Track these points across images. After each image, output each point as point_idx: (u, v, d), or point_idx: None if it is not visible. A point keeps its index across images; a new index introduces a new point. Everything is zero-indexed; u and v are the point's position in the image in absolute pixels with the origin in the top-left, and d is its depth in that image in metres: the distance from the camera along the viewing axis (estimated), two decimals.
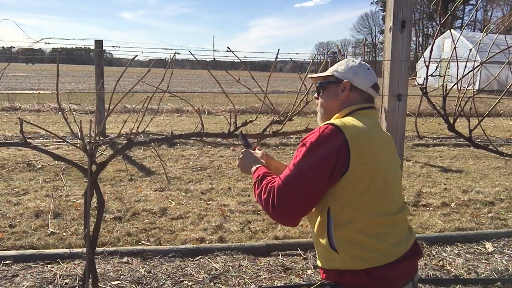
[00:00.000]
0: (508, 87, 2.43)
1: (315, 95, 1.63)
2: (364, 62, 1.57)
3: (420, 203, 4.62)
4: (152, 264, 3.02)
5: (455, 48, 2.41)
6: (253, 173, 1.57)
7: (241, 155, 1.71)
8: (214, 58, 2.38)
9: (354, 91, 1.52)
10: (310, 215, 1.45)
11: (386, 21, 2.45)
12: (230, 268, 3.00)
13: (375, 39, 72.87)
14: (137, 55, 2.10)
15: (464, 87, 2.40)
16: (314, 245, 1.50)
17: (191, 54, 2.10)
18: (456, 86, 2.43)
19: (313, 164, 1.31)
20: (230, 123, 2.03)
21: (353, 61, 1.57)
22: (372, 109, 1.52)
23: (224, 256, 3.17)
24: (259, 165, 1.60)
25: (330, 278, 1.39)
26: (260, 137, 2.20)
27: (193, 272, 2.93)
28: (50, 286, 2.70)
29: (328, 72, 1.59)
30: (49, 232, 3.56)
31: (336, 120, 1.42)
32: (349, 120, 1.39)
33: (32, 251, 3.13)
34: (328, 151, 1.30)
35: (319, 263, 1.47)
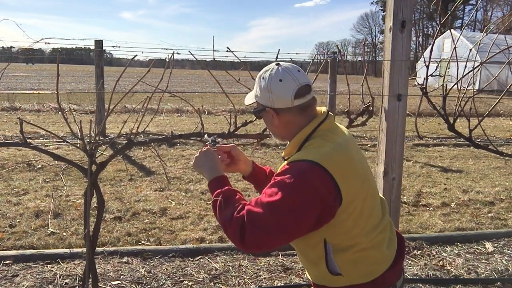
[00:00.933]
0: (508, 87, 2.44)
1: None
2: (275, 70, 1.31)
3: (420, 203, 4.62)
4: (152, 264, 3.02)
5: (455, 48, 2.41)
6: (211, 183, 1.40)
7: (200, 154, 1.49)
8: (214, 58, 2.38)
9: (282, 113, 1.31)
10: (301, 247, 1.37)
11: (386, 21, 2.45)
12: (230, 268, 3.00)
13: (375, 39, 72.92)
14: (136, 55, 2.10)
15: (464, 87, 2.40)
16: (305, 266, 1.41)
17: (191, 54, 2.10)
18: (456, 86, 2.43)
19: (291, 206, 1.16)
20: (230, 123, 2.03)
21: (263, 78, 1.33)
22: (329, 118, 1.33)
23: (224, 256, 3.17)
24: (219, 175, 1.41)
25: None
26: (260, 137, 2.20)
27: (193, 272, 2.93)
28: (50, 286, 2.70)
29: (252, 96, 1.41)
30: (49, 232, 3.56)
31: (308, 152, 1.24)
32: (320, 147, 1.23)
33: (32, 251, 3.13)
34: (312, 194, 1.16)
35: (316, 282, 1.38)
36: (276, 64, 1.35)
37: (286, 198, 1.16)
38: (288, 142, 1.38)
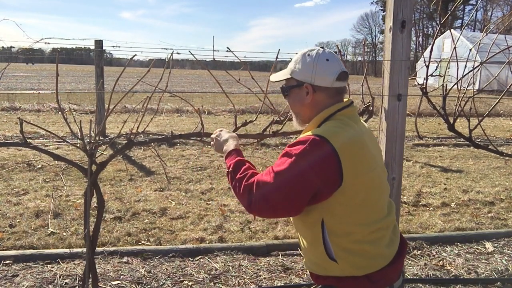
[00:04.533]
0: (508, 87, 2.43)
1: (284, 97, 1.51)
2: (322, 50, 1.40)
3: (420, 203, 4.62)
4: (152, 264, 3.02)
5: (455, 48, 2.41)
6: (226, 158, 1.51)
7: (215, 136, 1.65)
8: (214, 58, 2.38)
9: (319, 91, 1.37)
10: (300, 227, 1.40)
11: (386, 21, 2.45)
12: (230, 268, 3.00)
13: (375, 39, 72.90)
14: (135, 54, 2.10)
15: (464, 87, 2.40)
16: (303, 251, 1.43)
17: (191, 54, 2.10)
18: (456, 86, 2.43)
19: (295, 178, 1.22)
20: (236, 124, 2.03)
21: (308, 55, 1.39)
22: (353, 107, 1.40)
23: (224, 256, 3.17)
24: (232, 149, 1.53)
25: (327, 283, 1.36)
26: (260, 137, 2.20)
27: (193, 272, 2.93)
28: (50, 286, 2.70)
29: (287, 72, 1.46)
30: (49, 232, 3.56)
31: (321, 129, 1.30)
32: (335, 127, 1.29)
33: (32, 251, 3.13)
34: (314, 167, 1.21)
35: (312, 271, 1.40)
36: (321, 47, 1.42)
37: (292, 166, 1.23)
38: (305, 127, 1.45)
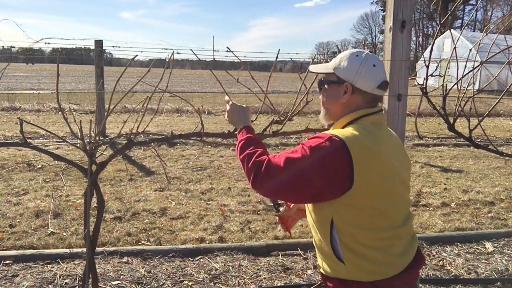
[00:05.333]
0: (508, 87, 2.43)
1: (318, 90, 1.52)
2: (370, 55, 1.39)
3: (420, 203, 4.62)
4: (152, 264, 3.02)
5: (455, 48, 2.41)
6: (238, 132, 1.55)
7: (229, 108, 1.67)
8: (214, 58, 2.38)
9: (357, 93, 1.37)
10: (312, 223, 1.40)
11: (386, 21, 2.45)
12: (230, 268, 3.00)
13: (375, 39, 72.88)
14: (137, 55, 2.10)
15: (464, 87, 2.40)
16: (316, 249, 1.44)
17: (193, 53, 2.09)
18: (456, 86, 2.43)
19: (303, 168, 1.24)
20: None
21: (356, 55, 1.39)
22: (380, 114, 1.39)
23: (224, 256, 3.16)
24: (246, 125, 1.56)
25: (333, 285, 1.36)
26: (260, 137, 2.19)
27: (193, 272, 2.93)
28: (50, 286, 2.70)
29: (330, 67, 1.45)
30: (49, 232, 3.56)
31: (342, 131, 1.31)
32: (354, 132, 1.28)
33: (32, 251, 3.13)
34: (324, 163, 1.22)
35: (321, 270, 1.41)
36: (370, 52, 1.43)
37: (303, 158, 1.24)
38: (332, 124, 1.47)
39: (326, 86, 1.45)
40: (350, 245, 1.28)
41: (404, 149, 1.44)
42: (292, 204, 1.73)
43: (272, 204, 1.78)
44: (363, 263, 1.28)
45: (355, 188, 1.22)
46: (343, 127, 1.36)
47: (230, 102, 1.68)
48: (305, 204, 1.47)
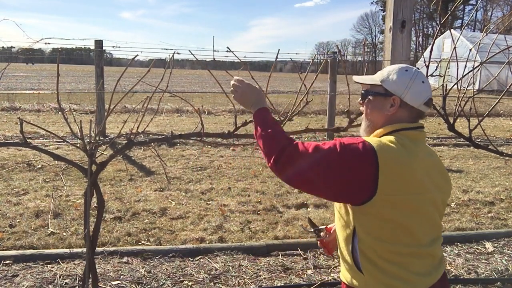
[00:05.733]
0: (508, 87, 2.43)
1: (360, 100, 1.48)
2: (419, 71, 1.39)
3: None
4: (152, 264, 3.02)
5: (455, 48, 2.41)
6: (257, 112, 1.51)
7: (242, 87, 1.59)
8: (214, 58, 2.38)
9: (404, 108, 1.36)
10: (340, 226, 1.39)
11: (386, 21, 2.45)
12: (230, 268, 3.00)
13: (375, 39, 72.94)
14: (137, 55, 2.10)
15: (464, 87, 2.40)
16: (340, 256, 1.44)
17: (192, 54, 2.10)
18: (456, 86, 2.43)
19: (329, 161, 1.24)
20: (236, 124, 2.03)
21: (406, 70, 1.38)
22: (420, 131, 1.36)
23: (224, 256, 3.17)
24: (264, 107, 1.53)
25: None
26: None
27: (193, 272, 2.93)
28: (50, 286, 2.70)
29: (377, 78, 1.42)
30: (49, 232, 3.56)
31: (375, 139, 1.30)
32: (388, 142, 1.27)
33: (32, 251, 3.13)
34: (351, 163, 1.23)
35: (342, 277, 1.41)
36: (418, 68, 1.43)
37: (332, 149, 1.25)
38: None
39: (371, 97, 1.43)
40: (370, 256, 1.28)
41: (446, 173, 1.40)
42: (333, 229, 1.72)
43: (313, 230, 1.79)
44: (381, 276, 1.27)
45: (379, 197, 1.21)
46: (380, 137, 1.35)
47: (244, 82, 1.61)
48: (335, 213, 1.46)
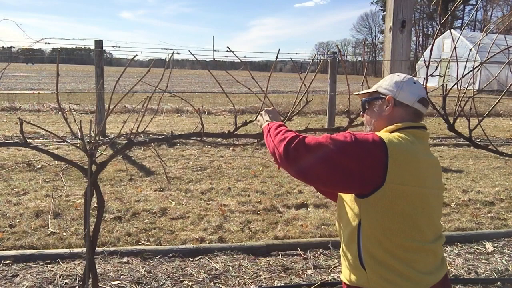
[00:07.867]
0: (508, 87, 2.43)
1: (361, 112, 1.59)
2: (410, 76, 1.52)
3: None
4: (152, 264, 3.02)
5: (455, 48, 2.41)
6: (270, 123, 1.63)
7: (264, 111, 1.79)
8: (214, 58, 2.38)
9: (399, 106, 1.45)
10: (344, 222, 1.41)
11: (386, 21, 2.45)
12: (230, 268, 3.00)
13: (375, 39, 72.96)
14: (136, 55, 2.10)
15: (464, 87, 2.40)
16: (341, 256, 1.46)
17: (191, 54, 2.10)
18: (456, 86, 2.43)
19: (342, 150, 1.27)
20: (236, 124, 2.03)
21: (398, 75, 1.52)
22: (423, 130, 1.43)
23: (224, 256, 3.17)
24: (277, 121, 1.67)
25: None
26: (260, 137, 2.20)
27: (193, 272, 2.93)
28: (50, 286, 2.70)
29: (373, 88, 1.56)
30: (49, 232, 3.56)
31: (384, 134, 1.36)
32: (396, 136, 1.33)
33: (32, 251, 3.13)
34: (362, 153, 1.26)
35: (342, 277, 1.43)
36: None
37: (344, 140, 1.29)
38: None
39: (367, 105, 1.55)
40: (373, 252, 1.30)
41: (441, 174, 1.45)
42: None
43: None
44: (384, 272, 1.28)
45: (388, 186, 1.24)
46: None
47: (262, 112, 1.82)
48: (338, 211, 1.50)
